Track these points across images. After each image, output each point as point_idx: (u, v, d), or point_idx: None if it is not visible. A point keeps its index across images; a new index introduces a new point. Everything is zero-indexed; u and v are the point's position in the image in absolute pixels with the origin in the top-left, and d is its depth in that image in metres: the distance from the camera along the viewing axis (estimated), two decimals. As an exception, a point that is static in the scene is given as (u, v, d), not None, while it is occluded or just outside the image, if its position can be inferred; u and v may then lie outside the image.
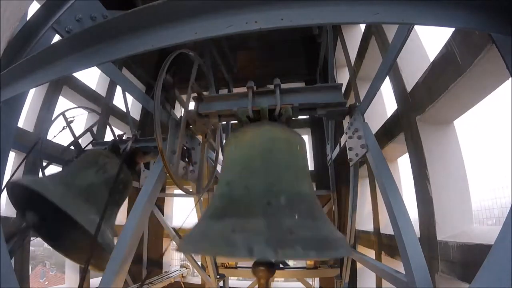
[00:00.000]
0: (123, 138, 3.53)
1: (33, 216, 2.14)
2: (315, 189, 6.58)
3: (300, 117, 2.37)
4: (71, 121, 3.90)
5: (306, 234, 1.16)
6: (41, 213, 2.16)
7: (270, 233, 1.07)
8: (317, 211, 1.36)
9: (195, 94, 2.41)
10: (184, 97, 2.38)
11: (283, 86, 2.19)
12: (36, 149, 3.87)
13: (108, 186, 2.36)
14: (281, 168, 1.39)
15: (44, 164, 3.97)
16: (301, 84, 7.25)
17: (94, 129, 4.30)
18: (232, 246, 1.01)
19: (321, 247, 1.15)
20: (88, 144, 3.94)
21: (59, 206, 1.86)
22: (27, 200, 2.15)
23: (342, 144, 3.86)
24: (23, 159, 3.65)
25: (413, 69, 2.99)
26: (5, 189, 2.06)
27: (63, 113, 3.88)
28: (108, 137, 5.43)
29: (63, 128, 3.91)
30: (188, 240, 1.34)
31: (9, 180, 2.12)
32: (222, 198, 1.50)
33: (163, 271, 6.89)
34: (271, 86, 2.22)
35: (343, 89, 2.48)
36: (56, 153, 4.14)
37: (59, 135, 4.13)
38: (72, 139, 3.90)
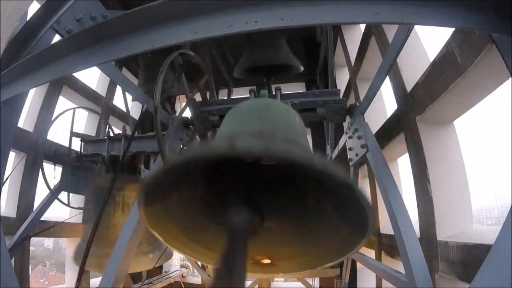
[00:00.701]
0: (112, 134, 3.54)
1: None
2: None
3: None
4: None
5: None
6: None
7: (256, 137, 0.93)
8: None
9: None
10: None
11: (283, 86, 2.19)
12: (36, 149, 3.88)
13: None
14: (277, 125, 1.22)
15: (44, 164, 3.98)
16: (301, 84, 7.25)
17: (93, 129, 4.30)
18: (209, 147, 0.89)
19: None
20: (81, 145, 3.94)
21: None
22: None
23: (342, 144, 3.86)
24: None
25: (413, 69, 2.99)
26: (4, 188, 2.06)
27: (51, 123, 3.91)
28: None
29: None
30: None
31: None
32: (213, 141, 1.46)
33: (163, 271, 6.88)
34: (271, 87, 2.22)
35: (342, 90, 2.48)
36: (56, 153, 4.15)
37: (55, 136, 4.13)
38: (68, 139, 3.92)
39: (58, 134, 4.11)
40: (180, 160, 0.76)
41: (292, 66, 3.56)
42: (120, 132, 3.66)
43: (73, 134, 4.02)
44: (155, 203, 0.85)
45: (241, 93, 7.42)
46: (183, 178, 0.85)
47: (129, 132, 3.67)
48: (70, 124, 4.05)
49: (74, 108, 4.42)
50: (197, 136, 2.74)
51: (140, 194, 0.78)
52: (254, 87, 2.15)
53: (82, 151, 3.92)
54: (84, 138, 4.01)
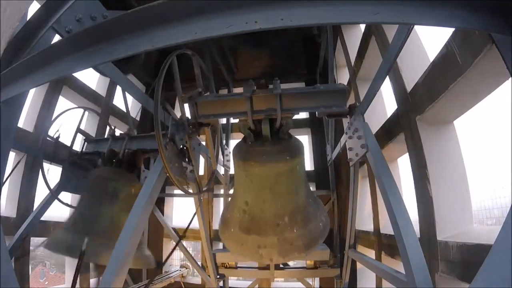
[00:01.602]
0: (115, 134, 3.55)
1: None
2: (315, 189, 6.57)
3: (300, 117, 2.41)
4: (58, 137, 3.93)
5: (300, 243, 2.13)
6: None
7: (280, 247, 1.85)
8: (311, 211, 2.25)
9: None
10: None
11: (283, 86, 2.19)
12: (36, 149, 3.89)
13: (124, 206, 2.50)
14: (285, 193, 2.10)
15: (44, 163, 3.98)
16: (301, 84, 7.24)
17: (93, 129, 4.31)
18: (260, 257, 1.85)
19: (309, 246, 2.10)
20: (84, 144, 3.94)
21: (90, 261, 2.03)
22: None
23: (342, 144, 3.86)
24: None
25: (413, 69, 2.99)
26: (4, 188, 2.07)
27: (53, 121, 3.92)
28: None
29: (56, 138, 3.94)
30: (230, 244, 2.32)
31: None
32: (244, 214, 2.32)
33: (163, 271, 6.88)
34: (271, 86, 2.22)
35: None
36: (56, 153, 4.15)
37: (55, 136, 4.13)
38: (69, 139, 3.92)
39: (61, 133, 4.11)
40: None
41: None
42: (114, 127, 3.66)
43: (79, 131, 4.02)
44: None
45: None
46: None
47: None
48: (73, 123, 4.05)
49: (73, 108, 4.42)
50: (197, 136, 2.74)
51: None
52: (252, 81, 2.16)
53: (83, 150, 3.92)
54: (88, 138, 4.02)
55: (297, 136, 2.61)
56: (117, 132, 3.89)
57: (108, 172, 3.07)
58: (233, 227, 2.52)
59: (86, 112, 5.40)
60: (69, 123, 4.05)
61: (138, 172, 4.45)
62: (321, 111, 2.19)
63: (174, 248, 3.22)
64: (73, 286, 2.22)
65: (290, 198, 2.34)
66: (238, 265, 5.04)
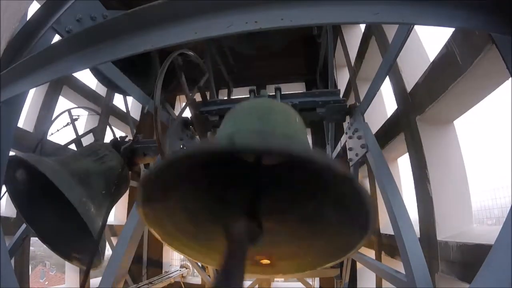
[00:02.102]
0: (125, 139, 3.53)
1: (23, 174, 2.08)
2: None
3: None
4: (76, 119, 3.90)
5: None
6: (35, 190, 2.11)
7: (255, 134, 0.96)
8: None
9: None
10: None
11: (283, 86, 2.19)
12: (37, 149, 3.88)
13: (105, 177, 2.36)
14: (277, 124, 1.27)
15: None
16: (301, 84, 7.24)
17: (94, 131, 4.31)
18: (208, 143, 0.95)
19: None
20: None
21: (52, 180, 1.81)
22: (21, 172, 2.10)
23: (342, 144, 3.86)
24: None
25: (413, 69, 2.99)
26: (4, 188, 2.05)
27: (69, 111, 3.89)
28: (109, 136, 5.44)
29: (67, 124, 3.91)
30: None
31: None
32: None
33: (163, 271, 6.88)
34: (271, 86, 2.23)
35: (342, 90, 2.48)
36: (56, 153, 4.14)
37: (59, 135, 4.13)
38: (72, 138, 3.91)
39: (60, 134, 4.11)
40: (180, 155, 0.76)
41: None
42: (126, 136, 3.63)
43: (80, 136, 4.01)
44: (155, 202, 0.85)
45: (241, 93, 7.43)
46: (183, 177, 0.85)
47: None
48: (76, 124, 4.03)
49: (73, 108, 4.41)
50: (197, 137, 2.74)
51: (140, 190, 0.76)
52: (254, 87, 2.16)
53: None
54: (96, 139, 4.00)
55: (297, 136, 2.60)
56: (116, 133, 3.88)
57: (105, 145, 2.97)
58: None
59: (86, 113, 5.41)
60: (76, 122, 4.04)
61: (138, 173, 4.42)
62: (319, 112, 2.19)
63: None
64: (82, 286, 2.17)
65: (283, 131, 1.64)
66: (238, 265, 5.04)
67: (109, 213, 2.44)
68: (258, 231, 0.73)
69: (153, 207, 0.85)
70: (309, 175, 0.84)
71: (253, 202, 0.85)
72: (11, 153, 1.72)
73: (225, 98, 6.79)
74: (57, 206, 1.98)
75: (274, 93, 2.27)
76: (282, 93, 2.34)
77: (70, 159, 2.41)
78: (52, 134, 4.18)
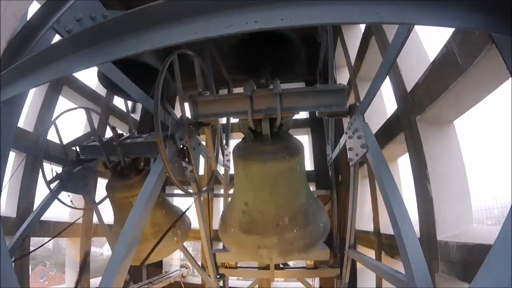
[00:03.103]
0: (118, 134, 3.54)
1: None
2: (315, 188, 6.57)
3: (300, 117, 2.41)
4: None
5: (300, 243, 2.10)
6: None
7: (280, 247, 1.82)
8: (311, 213, 2.33)
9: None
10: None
11: (283, 86, 2.19)
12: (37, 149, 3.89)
13: None
14: (284, 193, 2.04)
15: (44, 164, 3.97)
16: (301, 84, 7.24)
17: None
18: (260, 257, 1.79)
19: (310, 247, 2.03)
20: (89, 141, 3.95)
21: None
22: None
23: (342, 144, 3.86)
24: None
25: (413, 69, 2.99)
26: (4, 187, 2.05)
27: (54, 122, 3.91)
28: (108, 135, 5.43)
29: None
30: (230, 245, 2.29)
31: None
32: (244, 214, 2.29)
33: (163, 271, 6.88)
34: (271, 86, 2.22)
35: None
36: (56, 153, 4.15)
37: (58, 135, 4.13)
38: (71, 138, 3.92)
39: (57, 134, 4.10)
40: None
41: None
42: (114, 127, 3.62)
43: (71, 144, 4.03)
44: None
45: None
46: None
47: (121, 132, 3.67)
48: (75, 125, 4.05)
49: (73, 109, 4.42)
50: (197, 136, 2.74)
51: None
52: (250, 91, 2.16)
53: (80, 156, 3.91)
54: (77, 144, 3.99)
55: (297, 136, 2.61)
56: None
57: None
58: (233, 227, 2.51)
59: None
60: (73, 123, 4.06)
61: (146, 172, 4.46)
62: (321, 110, 2.20)
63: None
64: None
65: (290, 198, 2.33)
66: (238, 265, 5.04)
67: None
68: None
69: None
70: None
71: None
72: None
73: (223, 94, 6.77)
74: None
75: (272, 87, 2.26)
76: (284, 92, 2.33)
77: None
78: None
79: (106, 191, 3.61)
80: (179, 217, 3.45)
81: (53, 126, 4.06)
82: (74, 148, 3.94)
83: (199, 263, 5.79)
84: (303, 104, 2.20)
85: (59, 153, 4.09)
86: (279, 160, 2.21)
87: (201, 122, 2.42)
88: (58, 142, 4.11)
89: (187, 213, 4.18)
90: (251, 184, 2.12)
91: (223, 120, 6.76)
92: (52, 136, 4.19)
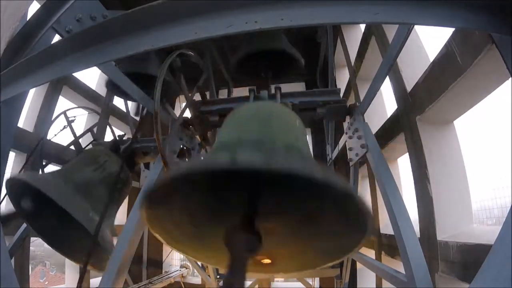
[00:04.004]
0: (124, 138, 3.53)
1: (28, 203, 2.08)
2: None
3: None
4: (72, 121, 3.90)
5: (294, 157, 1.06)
6: (39, 208, 2.12)
7: (257, 150, 0.95)
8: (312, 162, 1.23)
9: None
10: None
11: (283, 86, 2.20)
12: (37, 149, 3.87)
13: (107, 184, 2.35)
14: (277, 131, 1.23)
15: (44, 163, 3.97)
16: (301, 84, 7.24)
17: (94, 129, 4.30)
18: (211, 160, 0.92)
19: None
20: (88, 144, 3.94)
21: (58, 202, 1.83)
22: (26, 196, 2.11)
23: (342, 144, 3.86)
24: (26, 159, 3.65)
25: (413, 69, 2.99)
26: (4, 187, 2.05)
27: (64, 112, 3.88)
28: (108, 137, 5.44)
29: (64, 127, 3.91)
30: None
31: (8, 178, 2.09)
32: (212, 150, 1.42)
33: (163, 271, 6.89)
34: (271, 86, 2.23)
35: (342, 90, 2.48)
36: (56, 153, 4.14)
37: (59, 135, 4.13)
38: (72, 139, 3.91)
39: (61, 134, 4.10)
40: (181, 172, 0.78)
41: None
42: (124, 133, 3.64)
43: (91, 131, 4.01)
44: (157, 207, 0.87)
45: (241, 93, 7.42)
46: (185, 183, 0.87)
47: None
48: (74, 125, 4.03)
49: (70, 109, 4.41)
50: (197, 136, 2.74)
51: (142, 199, 0.81)
52: (254, 87, 2.16)
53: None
54: (96, 140, 4.00)
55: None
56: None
57: (104, 150, 2.99)
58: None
59: (86, 113, 5.41)
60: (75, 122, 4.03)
61: (138, 173, 4.42)
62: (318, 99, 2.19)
63: None
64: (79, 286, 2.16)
65: (286, 133, 1.48)
66: (238, 265, 5.03)
67: (114, 219, 2.46)
68: (258, 243, 0.76)
69: (155, 211, 0.87)
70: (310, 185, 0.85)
71: (252, 207, 0.86)
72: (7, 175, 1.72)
73: (225, 97, 6.78)
74: (62, 216, 1.97)
75: (274, 92, 2.28)
76: (282, 92, 2.34)
77: (71, 171, 2.38)
78: (51, 138, 4.17)
79: None
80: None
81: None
82: (73, 148, 3.94)
83: (199, 263, 5.79)
84: (300, 98, 2.24)
85: (59, 153, 4.08)
86: (277, 104, 1.91)
87: (201, 121, 2.42)
88: (58, 142, 4.11)
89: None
90: (238, 118, 1.41)
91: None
92: (54, 132, 4.18)
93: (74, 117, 3.97)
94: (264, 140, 1.05)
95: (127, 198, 3.51)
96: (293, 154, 0.98)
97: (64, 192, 2.03)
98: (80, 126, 6.09)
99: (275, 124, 1.24)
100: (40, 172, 3.95)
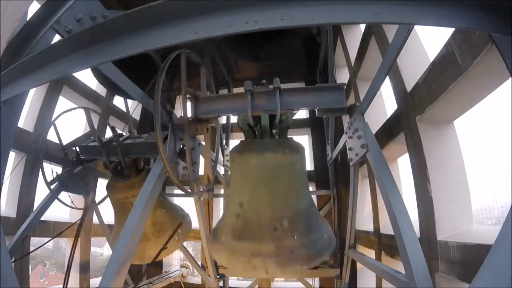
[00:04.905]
0: (117, 133, 3.54)
1: None
2: (315, 189, 6.57)
3: (300, 117, 2.40)
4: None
5: (301, 253, 1.65)
6: None
7: (277, 256, 1.51)
8: (313, 221, 1.94)
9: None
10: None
11: (283, 86, 2.19)
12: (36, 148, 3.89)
13: None
14: (284, 193, 1.76)
15: (44, 164, 3.97)
16: (301, 84, 7.24)
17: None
18: (254, 268, 1.51)
19: (313, 258, 1.61)
20: (88, 143, 3.94)
21: None
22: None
23: (342, 144, 3.86)
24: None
25: (413, 69, 2.99)
26: (4, 188, 2.05)
27: (53, 122, 3.91)
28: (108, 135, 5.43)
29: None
30: (220, 254, 1.85)
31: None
32: (238, 218, 1.99)
33: (163, 271, 6.88)
34: (271, 86, 2.23)
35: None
36: (56, 153, 4.15)
37: (58, 136, 4.12)
38: (72, 138, 3.92)
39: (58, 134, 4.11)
40: None
41: None
42: (114, 127, 3.62)
43: (68, 145, 4.03)
44: None
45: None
46: None
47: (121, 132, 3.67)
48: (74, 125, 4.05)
49: (73, 108, 4.42)
50: (197, 136, 2.74)
51: None
52: (250, 85, 2.16)
53: (80, 156, 3.91)
54: (77, 144, 3.99)
55: (297, 136, 2.61)
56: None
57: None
58: (224, 235, 2.16)
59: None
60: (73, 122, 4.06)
61: (147, 172, 4.43)
62: (320, 107, 2.19)
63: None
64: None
65: (290, 198, 2.06)
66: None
67: None
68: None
69: None
70: None
71: None
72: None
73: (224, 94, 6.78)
74: None
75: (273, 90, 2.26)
76: (284, 89, 2.33)
77: None
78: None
79: (107, 191, 3.61)
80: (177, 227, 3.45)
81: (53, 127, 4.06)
82: (74, 148, 3.94)
83: (199, 263, 5.79)
84: (302, 101, 2.22)
85: (59, 153, 4.09)
86: (277, 152, 2.05)
87: (201, 119, 2.41)
88: (58, 142, 4.12)
89: (188, 212, 4.18)
90: (247, 180, 1.80)
91: (223, 120, 6.77)
92: (52, 136, 4.19)
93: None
94: (276, 224, 1.43)
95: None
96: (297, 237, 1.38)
97: None
98: (80, 126, 6.10)
99: (281, 185, 1.61)
100: (40, 172, 3.96)
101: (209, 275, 4.72)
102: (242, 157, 1.97)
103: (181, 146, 2.49)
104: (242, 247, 1.99)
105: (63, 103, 5.60)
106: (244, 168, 1.73)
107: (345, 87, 2.28)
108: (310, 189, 4.04)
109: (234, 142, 6.98)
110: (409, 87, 2.99)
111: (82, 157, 3.89)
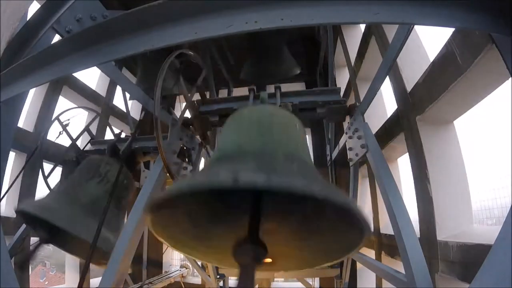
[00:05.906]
0: (121, 136, 3.53)
1: (44, 233, 2.10)
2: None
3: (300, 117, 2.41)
4: (67, 125, 3.89)
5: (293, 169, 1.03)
6: (51, 229, 2.11)
7: (258, 166, 0.92)
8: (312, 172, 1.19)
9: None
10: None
11: (283, 86, 2.20)
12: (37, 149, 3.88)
13: (114, 196, 2.35)
14: (278, 139, 1.21)
15: (44, 164, 3.97)
16: (301, 84, 7.24)
17: (93, 129, 4.30)
18: (213, 176, 0.84)
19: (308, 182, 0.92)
20: (87, 144, 3.94)
21: (69, 231, 1.89)
22: (36, 220, 2.10)
23: (342, 144, 3.86)
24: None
25: (413, 69, 2.99)
26: (6, 190, 2.06)
27: (58, 118, 3.88)
28: (108, 136, 5.44)
29: (60, 134, 3.90)
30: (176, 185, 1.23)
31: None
32: (214, 160, 1.38)
33: (163, 271, 6.89)
34: (271, 86, 2.23)
35: (342, 90, 2.49)
36: (56, 154, 4.14)
37: (59, 136, 4.12)
38: (70, 139, 3.91)
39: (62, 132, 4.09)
40: (183, 190, 0.80)
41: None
42: (121, 131, 3.64)
43: (87, 130, 4.01)
44: (161, 213, 0.90)
45: (241, 93, 7.41)
46: (187, 196, 0.89)
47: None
48: (73, 125, 4.03)
49: (73, 108, 4.41)
50: (197, 136, 2.74)
51: (146, 208, 0.85)
52: (254, 87, 2.16)
53: (85, 149, 3.90)
54: (93, 138, 4.00)
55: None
56: (122, 134, 3.87)
57: (104, 158, 2.99)
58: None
59: (86, 113, 5.41)
60: (73, 123, 4.04)
61: (138, 173, 4.41)
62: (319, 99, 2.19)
63: None
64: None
65: (285, 147, 1.44)
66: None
67: (122, 222, 2.47)
68: (263, 252, 0.80)
69: (159, 217, 0.90)
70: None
71: (256, 214, 0.88)
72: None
73: (225, 97, 6.78)
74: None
75: (274, 92, 2.28)
76: (282, 91, 2.34)
77: (75, 190, 2.36)
78: (57, 137, 4.15)
79: None
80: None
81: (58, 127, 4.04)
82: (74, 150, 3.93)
83: (199, 263, 5.79)
84: (300, 98, 2.28)
85: (59, 153, 4.08)
86: (276, 107, 1.89)
87: (201, 121, 2.42)
88: (57, 142, 4.11)
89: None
90: (237, 125, 1.39)
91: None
92: (52, 136, 4.19)
93: (69, 120, 3.95)
94: (265, 151, 1.08)
95: (127, 198, 3.50)
96: (294, 167, 1.01)
97: (74, 218, 2.05)
98: (80, 126, 6.10)
99: (276, 131, 1.24)
100: (40, 172, 3.95)
101: (209, 275, 4.72)
102: (235, 113, 1.51)
103: (181, 146, 2.49)
104: (224, 167, 1.52)
105: (63, 103, 5.61)
106: (236, 117, 1.35)
107: (341, 91, 2.30)
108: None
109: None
110: (409, 87, 2.99)
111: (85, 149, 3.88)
